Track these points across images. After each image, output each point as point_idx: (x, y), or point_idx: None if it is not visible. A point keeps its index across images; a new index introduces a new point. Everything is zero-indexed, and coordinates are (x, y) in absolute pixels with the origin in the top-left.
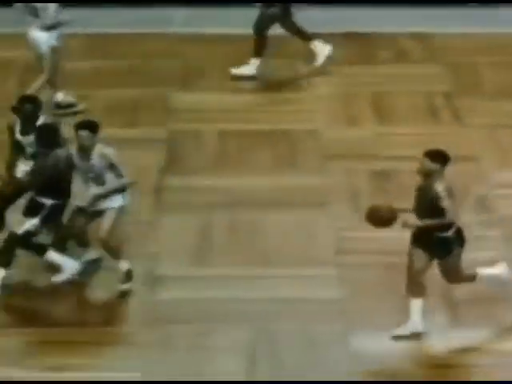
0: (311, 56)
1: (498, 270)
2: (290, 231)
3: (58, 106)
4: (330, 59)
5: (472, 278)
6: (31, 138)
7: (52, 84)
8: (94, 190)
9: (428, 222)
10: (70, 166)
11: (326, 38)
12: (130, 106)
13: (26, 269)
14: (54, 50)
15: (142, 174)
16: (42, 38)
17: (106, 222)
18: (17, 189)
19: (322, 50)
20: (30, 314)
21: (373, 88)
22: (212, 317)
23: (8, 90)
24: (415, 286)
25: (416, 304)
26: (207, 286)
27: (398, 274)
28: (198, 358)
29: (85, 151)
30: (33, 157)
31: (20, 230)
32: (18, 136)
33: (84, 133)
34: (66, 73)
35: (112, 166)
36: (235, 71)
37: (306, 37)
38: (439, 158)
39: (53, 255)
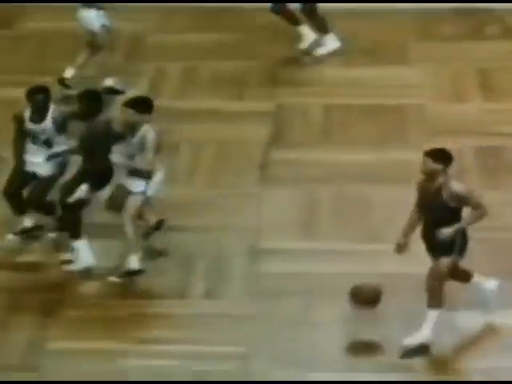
0: (299, 37)
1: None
2: (395, 206)
3: (110, 90)
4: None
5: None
6: (43, 125)
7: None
8: (116, 157)
9: (451, 229)
10: (107, 131)
11: (436, 14)
12: (237, 80)
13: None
14: (105, 29)
15: (247, 147)
16: (91, 17)
17: (130, 207)
18: (24, 176)
19: (310, 34)
20: (131, 287)
21: (480, 64)
22: (315, 291)
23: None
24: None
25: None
26: (311, 260)
27: (500, 251)
28: (301, 333)
29: (129, 128)
30: (45, 143)
31: (71, 199)
32: (29, 124)
33: (129, 110)
34: (175, 46)
35: (144, 150)
36: (320, 51)
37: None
38: (441, 157)
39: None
